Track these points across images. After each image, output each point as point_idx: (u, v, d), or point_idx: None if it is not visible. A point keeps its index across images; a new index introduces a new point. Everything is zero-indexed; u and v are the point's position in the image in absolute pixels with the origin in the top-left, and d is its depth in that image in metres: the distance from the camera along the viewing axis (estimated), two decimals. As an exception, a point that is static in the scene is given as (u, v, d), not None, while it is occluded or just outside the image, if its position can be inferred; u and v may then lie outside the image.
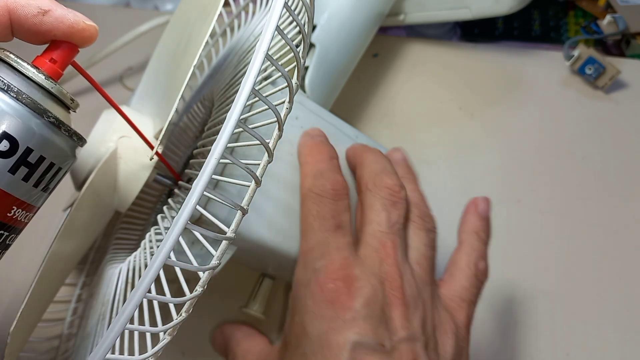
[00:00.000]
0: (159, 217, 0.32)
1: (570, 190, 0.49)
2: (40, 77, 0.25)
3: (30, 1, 0.24)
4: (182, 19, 0.38)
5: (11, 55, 0.25)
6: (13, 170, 0.24)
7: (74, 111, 0.27)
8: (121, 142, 0.34)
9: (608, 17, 0.56)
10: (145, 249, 0.32)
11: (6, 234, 0.25)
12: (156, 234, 0.32)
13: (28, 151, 0.24)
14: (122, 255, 0.39)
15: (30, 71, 0.25)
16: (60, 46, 0.26)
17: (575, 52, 0.54)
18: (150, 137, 0.35)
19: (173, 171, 0.35)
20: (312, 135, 0.36)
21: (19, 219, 0.25)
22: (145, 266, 0.32)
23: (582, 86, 0.55)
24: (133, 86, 0.63)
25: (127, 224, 0.42)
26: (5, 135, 0.23)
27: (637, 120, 0.52)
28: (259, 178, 0.23)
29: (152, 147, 0.36)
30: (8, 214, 0.24)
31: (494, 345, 0.41)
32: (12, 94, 0.24)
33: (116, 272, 0.34)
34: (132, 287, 0.32)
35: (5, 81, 0.24)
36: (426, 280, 0.34)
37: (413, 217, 0.35)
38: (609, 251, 0.45)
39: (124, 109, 0.36)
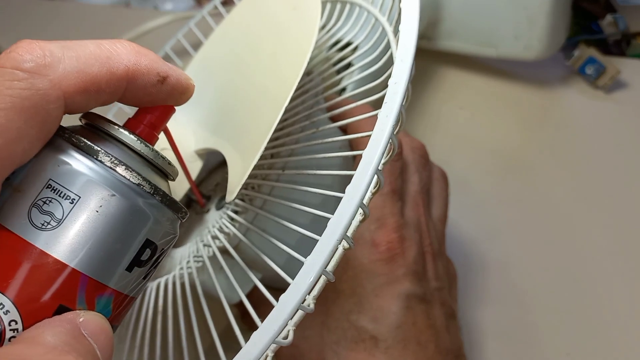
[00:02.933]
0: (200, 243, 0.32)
1: (571, 189, 0.49)
2: (157, 157, 0.23)
3: (150, 67, 0.22)
4: (241, 26, 0.36)
5: (124, 132, 0.23)
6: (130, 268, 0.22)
7: (173, 180, 0.25)
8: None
9: (608, 17, 0.56)
10: (182, 270, 0.32)
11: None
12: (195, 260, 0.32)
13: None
14: None
15: (147, 151, 0.23)
16: (158, 108, 0.24)
17: (576, 52, 0.54)
18: (190, 152, 0.34)
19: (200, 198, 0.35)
20: None
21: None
22: (181, 286, 0.32)
23: (582, 86, 0.55)
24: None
25: None
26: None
27: (637, 120, 0.52)
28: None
29: (202, 205, 0.36)
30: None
31: (494, 345, 0.42)
32: (145, 187, 0.22)
33: None
34: (163, 316, 0.32)
35: (148, 185, 0.22)
36: (443, 233, 0.39)
37: (436, 175, 0.40)
38: (609, 250, 0.45)
39: None
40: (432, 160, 0.40)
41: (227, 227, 0.31)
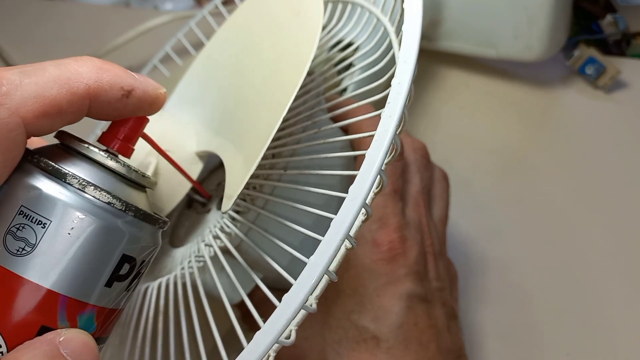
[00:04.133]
0: (202, 244, 0.32)
1: (571, 189, 0.49)
2: (129, 172, 0.23)
3: (113, 83, 0.23)
4: (243, 29, 0.36)
5: (94, 150, 0.23)
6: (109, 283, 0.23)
7: (152, 189, 0.26)
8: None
9: (608, 17, 0.56)
10: (183, 270, 0.32)
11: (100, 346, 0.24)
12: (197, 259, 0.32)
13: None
14: None
15: (119, 167, 0.23)
16: (130, 120, 0.24)
17: (576, 52, 0.54)
18: (191, 153, 0.34)
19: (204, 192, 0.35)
20: None
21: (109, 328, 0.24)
22: (183, 285, 0.32)
23: (582, 86, 0.55)
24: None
25: None
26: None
27: (637, 120, 0.52)
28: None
29: (207, 196, 0.36)
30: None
31: (494, 345, 0.42)
32: (116, 205, 0.22)
33: (140, 290, 0.34)
34: (164, 315, 0.32)
35: (112, 198, 0.22)
36: (444, 233, 0.39)
37: (437, 176, 0.40)
38: (609, 250, 0.45)
39: (161, 113, 0.35)
40: (432, 160, 0.40)
41: (228, 226, 0.32)
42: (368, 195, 0.21)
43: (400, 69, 0.23)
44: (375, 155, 0.21)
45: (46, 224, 0.21)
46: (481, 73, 0.58)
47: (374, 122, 0.24)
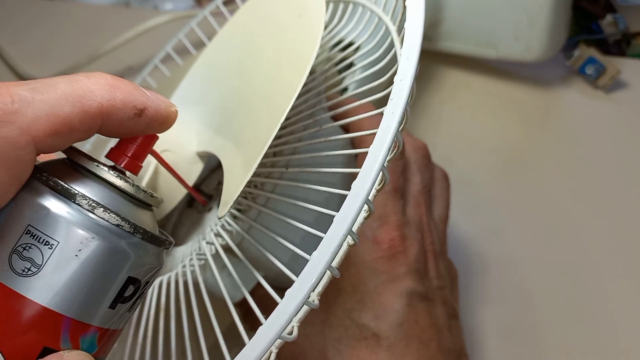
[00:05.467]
0: (203, 242, 0.32)
1: (571, 189, 0.49)
2: (138, 192, 0.23)
3: (126, 101, 0.22)
4: (245, 30, 0.36)
5: (104, 168, 0.23)
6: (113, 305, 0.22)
7: (157, 208, 0.25)
8: (163, 156, 0.31)
9: (608, 17, 0.56)
10: (185, 268, 0.32)
11: None
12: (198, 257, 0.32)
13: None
14: None
15: (125, 186, 0.23)
16: (140, 137, 0.24)
17: (576, 52, 0.54)
18: (192, 153, 0.34)
19: (200, 199, 0.35)
20: None
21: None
22: (184, 284, 0.32)
23: (582, 86, 0.55)
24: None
25: None
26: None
27: (637, 120, 0.53)
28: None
29: (204, 203, 0.36)
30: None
31: (494, 345, 0.42)
32: (124, 227, 0.22)
33: None
34: (165, 313, 0.32)
35: (115, 217, 0.22)
36: (444, 233, 0.39)
37: (438, 176, 0.40)
38: (609, 251, 0.45)
39: None
40: (433, 160, 0.41)
41: (230, 224, 0.32)
42: (371, 192, 0.21)
43: (402, 66, 0.23)
44: (378, 152, 0.21)
45: (53, 244, 0.21)
46: (481, 73, 0.58)
47: (375, 121, 0.24)
